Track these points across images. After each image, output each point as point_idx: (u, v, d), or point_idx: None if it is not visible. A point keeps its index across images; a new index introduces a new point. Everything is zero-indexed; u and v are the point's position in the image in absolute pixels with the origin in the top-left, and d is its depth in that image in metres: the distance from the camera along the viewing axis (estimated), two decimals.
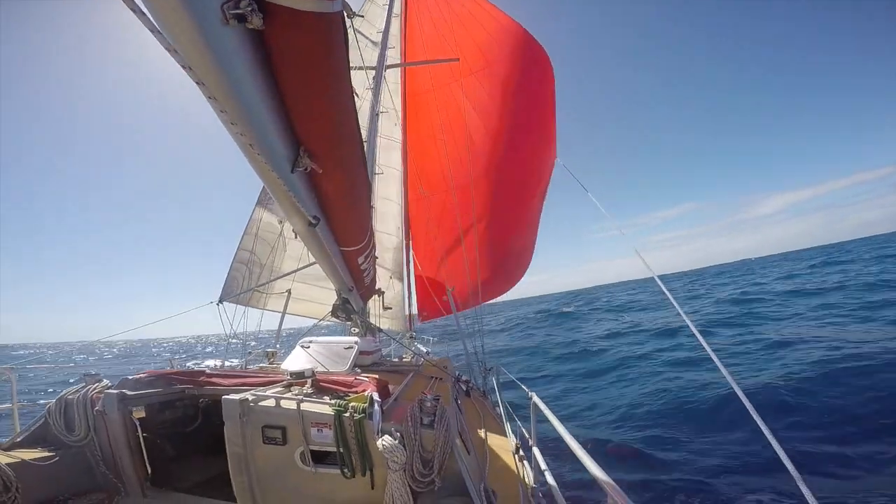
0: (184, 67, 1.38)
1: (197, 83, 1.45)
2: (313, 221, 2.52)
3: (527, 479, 3.19)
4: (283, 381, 3.38)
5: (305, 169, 2.05)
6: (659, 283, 2.83)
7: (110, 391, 3.24)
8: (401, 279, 12.15)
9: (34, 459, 3.07)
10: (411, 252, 11.58)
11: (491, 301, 12.10)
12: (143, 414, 3.70)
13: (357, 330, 6.37)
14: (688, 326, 2.53)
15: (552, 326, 32.33)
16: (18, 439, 3.30)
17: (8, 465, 2.86)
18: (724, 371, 2.15)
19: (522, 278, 11.93)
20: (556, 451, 8.14)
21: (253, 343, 8.36)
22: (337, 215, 2.78)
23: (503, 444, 4.08)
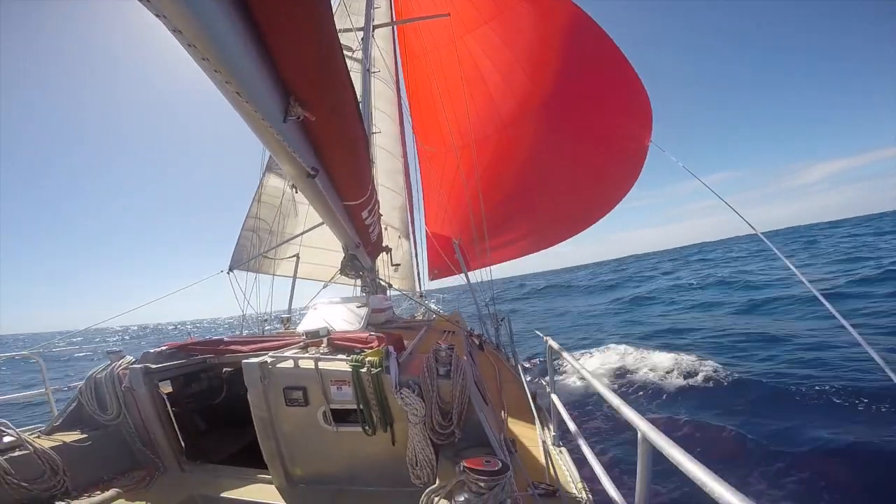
0: (157, 16, 1.35)
1: (173, 32, 1.41)
2: (312, 172, 2.46)
3: (546, 427, 3.18)
4: (299, 342, 3.38)
5: (298, 117, 1.99)
6: (764, 239, 2.63)
7: (135, 366, 3.25)
8: (408, 238, 12.12)
9: (75, 442, 3.08)
10: (420, 211, 11.38)
11: (504, 266, 11.64)
12: (170, 389, 3.73)
13: (368, 289, 6.38)
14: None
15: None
16: (57, 423, 3.31)
17: (52, 448, 2.87)
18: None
19: (564, 241, 11.19)
20: (574, 395, 8.25)
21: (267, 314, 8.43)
22: (336, 166, 2.69)
23: (520, 394, 4.09)
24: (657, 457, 1.40)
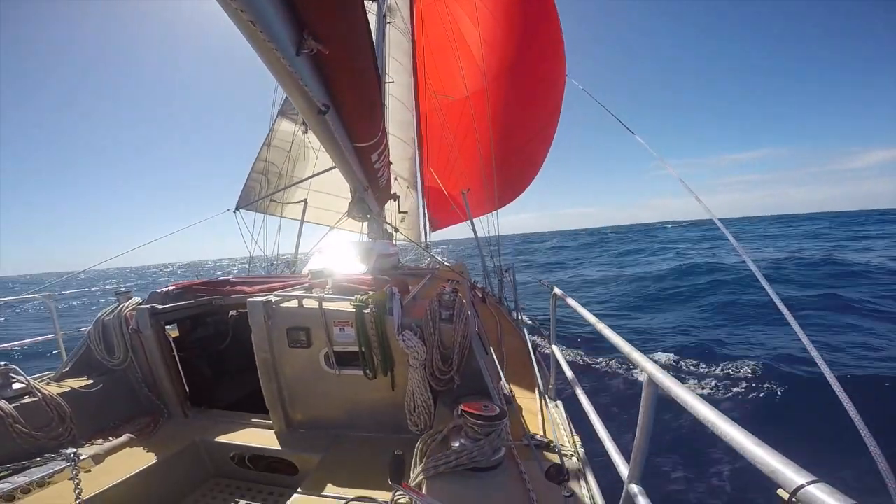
0: None
1: None
2: (322, 108, 2.40)
3: (545, 380, 3.21)
4: (304, 283, 3.40)
5: (311, 51, 1.94)
6: (719, 224, 2.49)
7: (141, 307, 3.25)
8: (416, 189, 12.11)
9: (83, 388, 3.10)
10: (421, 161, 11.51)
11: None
12: (176, 333, 3.74)
13: (374, 235, 6.38)
14: None
15: None
16: (66, 369, 3.32)
17: (60, 395, 2.89)
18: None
19: (528, 187, 11.79)
20: (576, 346, 8.34)
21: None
22: (346, 103, 2.61)
23: (520, 346, 4.13)
24: (661, 405, 1.38)
